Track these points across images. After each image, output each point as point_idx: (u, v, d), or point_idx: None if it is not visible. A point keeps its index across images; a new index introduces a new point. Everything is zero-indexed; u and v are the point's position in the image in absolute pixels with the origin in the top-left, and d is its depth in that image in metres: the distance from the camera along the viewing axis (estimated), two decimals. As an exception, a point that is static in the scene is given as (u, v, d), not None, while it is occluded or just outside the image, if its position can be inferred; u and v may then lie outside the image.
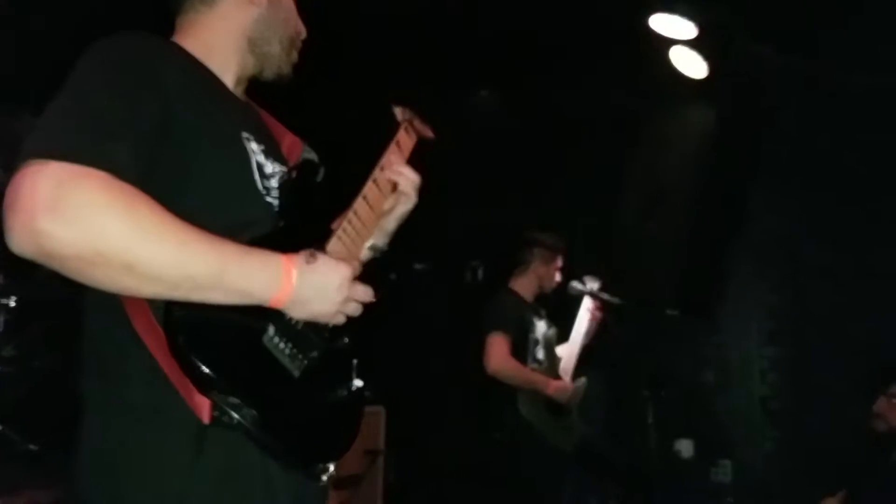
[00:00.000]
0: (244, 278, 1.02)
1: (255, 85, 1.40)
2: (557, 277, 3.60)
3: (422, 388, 4.25)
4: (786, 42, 3.68)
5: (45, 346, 3.63)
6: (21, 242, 0.92)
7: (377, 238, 1.50)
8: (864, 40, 3.58)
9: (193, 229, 1.00)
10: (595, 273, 3.55)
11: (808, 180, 3.99)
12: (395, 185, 1.47)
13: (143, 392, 1.07)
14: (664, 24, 3.56)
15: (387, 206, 1.48)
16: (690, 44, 3.63)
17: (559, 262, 3.61)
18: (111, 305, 1.08)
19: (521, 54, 4.09)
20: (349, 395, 1.25)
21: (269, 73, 1.38)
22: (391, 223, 1.50)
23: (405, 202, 1.48)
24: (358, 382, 1.26)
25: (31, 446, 3.26)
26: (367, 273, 1.43)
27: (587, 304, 3.47)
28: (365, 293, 1.18)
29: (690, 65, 3.77)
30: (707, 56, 3.64)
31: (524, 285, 3.57)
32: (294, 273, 1.06)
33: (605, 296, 3.45)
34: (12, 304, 3.43)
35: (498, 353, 3.26)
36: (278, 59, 1.37)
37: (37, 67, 3.79)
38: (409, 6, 3.71)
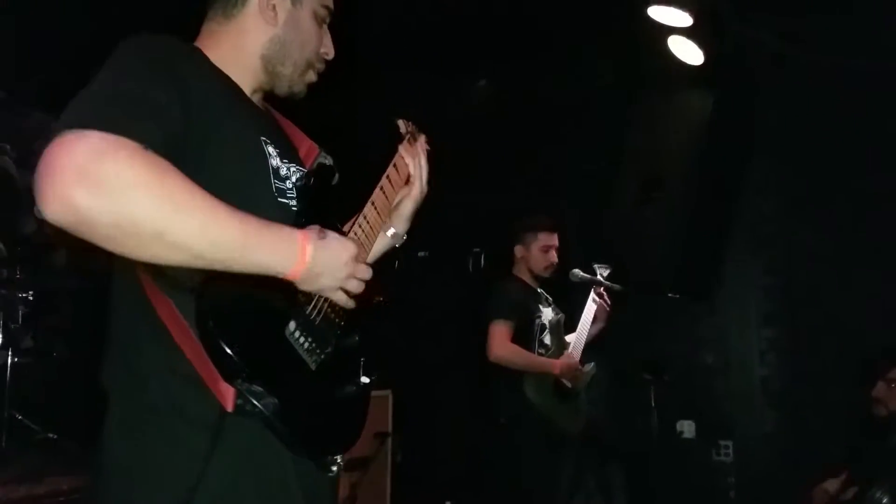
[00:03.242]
0: (265, 250, 1.05)
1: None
2: (549, 258, 3.51)
3: (428, 373, 4.32)
4: (779, 27, 3.73)
5: (63, 337, 3.72)
6: (57, 210, 0.93)
7: (396, 226, 1.55)
8: (856, 24, 3.61)
9: (219, 202, 1.02)
10: (593, 257, 3.59)
11: (802, 163, 4.02)
12: (408, 179, 1.54)
13: (160, 388, 1.11)
14: (661, 13, 3.61)
15: (398, 197, 1.53)
16: (686, 32, 3.69)
17: (545, 241, 3.51)
18: (136, 299, 1.12)
19: (520, 42, 4.14)
20: (357, 391, 1.30)
21: (280, 91, 1.39)
22: (408, 206, 1.54)
23: (420, 190, 1.54)
24: (365, 379, 1.31)
25: (51, 435, 3.36)
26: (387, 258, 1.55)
27: (594, 292, 3.46)
28: (366, 271, 1.21)
29: (687, 52, 3.82)
30: (702, 43, 3.70)
31: (522, 271, 3.57)
32: (309, 248, 1.09)
33: (606, 282, 3.47)
34: (30, 297, 3.51)
35: (498, 340, 3.28)
36: (290, 80, 1.37)
37: (46, 67, 3.88)
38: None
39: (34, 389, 3.51)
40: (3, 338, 3.36)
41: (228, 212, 1.03)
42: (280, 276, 1.09)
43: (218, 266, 1.03)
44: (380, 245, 1.56)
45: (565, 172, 4.40)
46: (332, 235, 1.16)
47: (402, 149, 1.56)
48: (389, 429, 3.94)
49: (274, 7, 1.32)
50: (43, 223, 0.96)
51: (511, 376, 3.30)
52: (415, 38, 4.02)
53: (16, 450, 3.18)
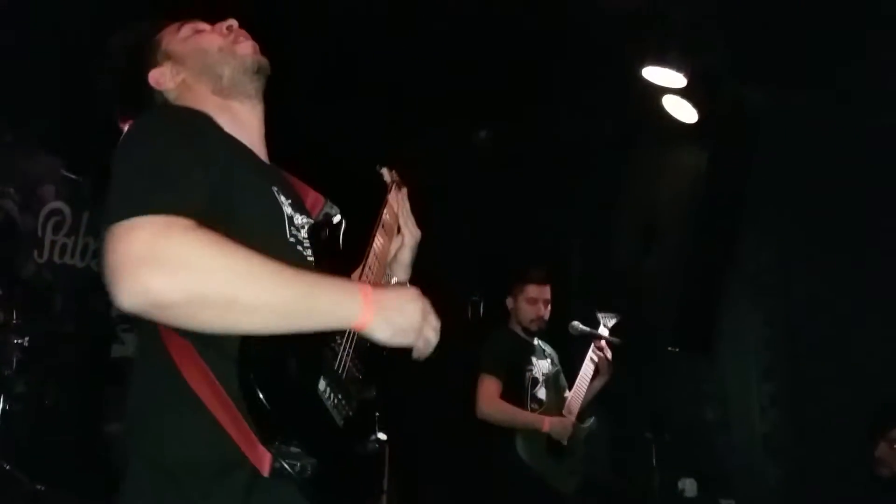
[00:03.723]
0: (332, 301, 1.08)
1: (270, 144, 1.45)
2: (536, 311, 3.47)
3: (428, 426, 4.26)
4: (771, 83, 3.85)
5: (56, 382, 3.66)
6: (130, 300, 0.96)
7: (398, 275, 1.55)
8: (849, 79, 3.72)
9: (277, 262, 1.04)
10: (593, 309, 3.59)
11: (797, 215, 4.06)
12: (398, 228, 1.56)
13: (187, 454, 1.08)
14: (656, 74, 3.75)
15: (394, 247, 1.55)
16: (681, 92, 3.81)
17: (532, 293, 3.48)
18: (162, 364, 1.11)
19: (521, 96, 4.26)
20: (375, 448, 1.28)
21: (253, 84, 1.38)
22: (405, 254, 1.56)
23: (413, 236, 1.57)
24: (382, 436, 1.29)
25: (38, 486, 3.26)
26: None
27: (594, 345, 3.44)
28: (435, 318, 1.21)
29: (682, 111, 3.95)
30: (696, 103, 3.82)
31: (515, 323, 3.54)
32: (369, 292, 1.11)
33: (606, 336, 3.44)
34: (26, 343, 3.47)
35: (486, 396, 3.23)
36: (239, 70, 1.37)
37: (51, 111, 3.96)
38: (406, 49, 3.88)
39: (24, 437, 3.44)
40: (-4, 383, 3.31)
41: (290, 269, 1.06)
42: (350, 324, 1.10)
43: (291, 325, 1.05)
44: None
45: (566, 224, 4.46)
46: (391, 284, 1.18)
47: (391, 198, 1.59)
48: (385, 486, 3.84)
49: (164, 76, 1.37)
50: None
51: (503, 433, 3.22)
52: (418, 92, 4.12)
53: (2, 502, 3.09)
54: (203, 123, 1.25)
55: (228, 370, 1.06)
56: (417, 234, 1.59)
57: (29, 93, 3.77)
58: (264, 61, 1.41)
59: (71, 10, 3.40)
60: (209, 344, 1.08)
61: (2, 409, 3.29)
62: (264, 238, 1.19)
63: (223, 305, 0.99)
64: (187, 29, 1.41)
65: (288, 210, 1.29)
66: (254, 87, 1.39)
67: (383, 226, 1.52)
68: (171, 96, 1.37)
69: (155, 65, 1.38)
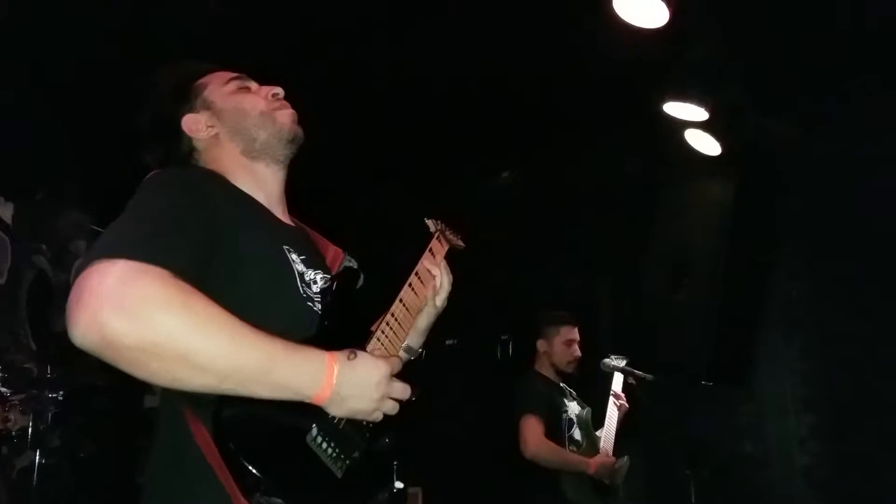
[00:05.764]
0: (290, 374, 1.05)
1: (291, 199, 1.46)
2: (574, 352, 3.53)
3: (459, 467, 4.21)
4: (794, 114, 3.83)
5: (91, 436, 3.68)
6: (85, 334, 0.95)
7: (411, 339, 1.53)
8: (868, 107, 3.69)
9: (245, 324, 1.03)
10: (625, 345, 3.57)
11: (828, 245, 4.01)
12: (433, 285, 1.55)
13: (192, 501, 1.12)
14: (677, 109, 3.76)
15: (429, 295, 1.55)
16: (702, 126, 3.82)
17: (568, 335, 3.55)
18: (175, 415, 1.14)
19: (548, 134, 4.28)
20: (389, 498, 1.25)
21: (286, 150, 1.40)
22: (423, 320, 1.55)
23: (439, 298, 1.55)
24: (399, 484, 1.26)
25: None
26: (405, 372, 1.55)
27: (613, 389, 3.46)
28: (403, 390, 1.19)
29: (705, 144, 3.95)
30: (718, 136, 3.82)
31: (544, 366, 3.56)
32: (336, 370, 1.08)
33: (638, 371, 3.42)
34: (60, 397, 3.49)
35: (533, 437, 3.22)
36: (275, 137, 1.39)
37: (77, 167, 4.04)
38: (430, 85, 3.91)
39: (60, 490, 3.45)
40: (31, 437, 3.33)
41: (253, 333, 1.03)
42: (307, 399, 1.08)
43: (242, 390, 1.03)
44: None
45: (595, 261, 4.44)
46: (363, 356, 1.14)
47: (433, 247, 1.60)
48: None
49: (199, 124, 1.38)
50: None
51: (547, 473, 3.23)
52: (447, 127, 4.14)
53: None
54: (216, 185, 1.27)
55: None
56: (443, 304, 1.56)
57: (58, 152, 3.85)
58: (300, 132, 1.43)
59: (99, 74, 3.47)
60: (199, 399, 1.08)
61: (38, 463, 3.31)
62: (271, 294, 1.23)
63: (173, 359, 0.98)
64: (234, 84, 1.42)
65: (299, 267, 1.29)
66: (284, 154, 1.41)
67: (418, 273, 1.52)
68: (200, 146, 1.39)
69: (192, 109, 1.39)
